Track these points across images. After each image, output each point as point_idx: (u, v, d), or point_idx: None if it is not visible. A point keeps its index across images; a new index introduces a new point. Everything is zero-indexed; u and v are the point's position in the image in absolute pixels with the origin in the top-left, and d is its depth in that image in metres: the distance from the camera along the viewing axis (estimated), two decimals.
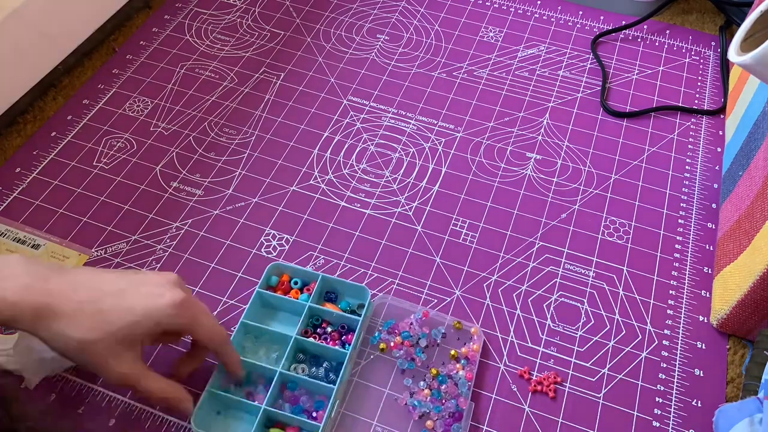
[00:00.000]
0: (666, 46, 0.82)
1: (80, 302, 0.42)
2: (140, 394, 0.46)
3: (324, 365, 0.53)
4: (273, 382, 0.51)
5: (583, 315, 0.59)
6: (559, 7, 0.86)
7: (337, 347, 0.53)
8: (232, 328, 0.56)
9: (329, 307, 0.56)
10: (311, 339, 0.54)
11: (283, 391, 0.53)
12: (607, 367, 0.55)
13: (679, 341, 0.57)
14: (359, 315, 0.55)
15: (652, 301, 0.59)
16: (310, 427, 0.50)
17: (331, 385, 0.51)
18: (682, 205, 0.66)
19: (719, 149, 0.71)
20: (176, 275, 0.47)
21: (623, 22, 0.84)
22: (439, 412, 0.51)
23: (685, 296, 0.60)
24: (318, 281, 0.56)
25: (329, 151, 0.71)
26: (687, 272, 0.61)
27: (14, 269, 0.42)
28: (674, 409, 0.53)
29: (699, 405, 0.53)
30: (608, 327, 0.58)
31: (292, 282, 0.58)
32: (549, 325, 0.58)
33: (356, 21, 0.85)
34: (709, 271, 0.61)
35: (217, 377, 0.51)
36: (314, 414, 0.51)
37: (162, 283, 0.45)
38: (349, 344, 0.54)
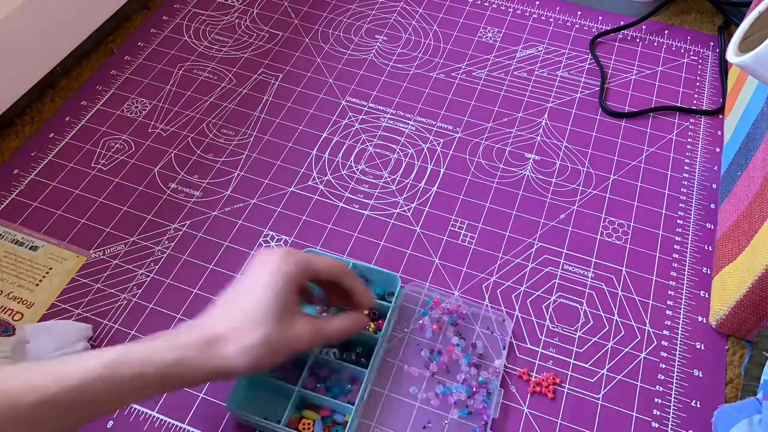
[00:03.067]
0: (664, 47, 0.82)
1: (229, 313, 0.44)
2: (326, 340, 0.50)
3: (357, 350, 0.55)
4: (306, 365, 0.52)
5: (582, 316, 0.58)
6: (558, 8, 0.86)
7: (368, 333, 0.55)
8: None
9: None
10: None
11: (315, 374, 0.54)
12: (606, 367, 0.55)
13: (678, 342, 0.57)
14: (390, 302, 0.57)
15: (651, 302, 0.59)
16: (343, 409, 0.51)
17: (363, 369, 0.52)
18: (680, 205, 0.66)
19: (718, 149, 0.71)
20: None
21: (622, 23, 0.84)
22: (469, 393, 0.53)
23: (684, 297, 0.60)
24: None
25: (328, 152, 0.71)
26: (686, 273, 0.61)
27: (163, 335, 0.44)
28: (673, 409, 0.53)
29: (698, 406, 0.53)
30: (607, 328, 0.58)
31: None
32: (548, 326, 0.58)
33: (354, 22, 0.85)
34: (708, 272, 0.61)
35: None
36: (345, 397, 0.53)
37: (261, 255, 0.47)
38: (380, 330, 0.55)
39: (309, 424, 0.50)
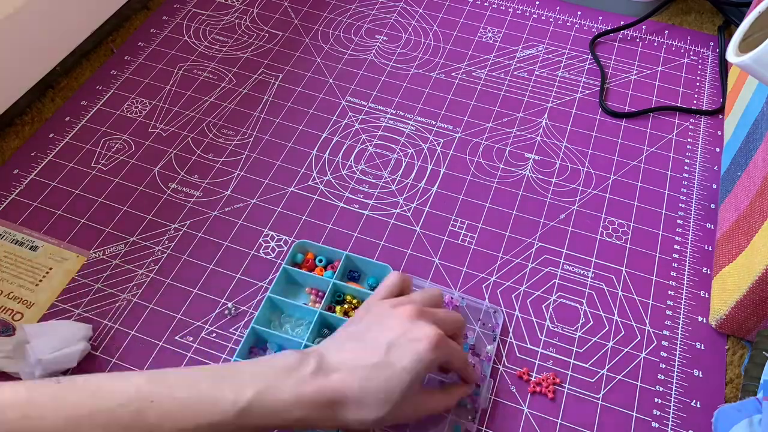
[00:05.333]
0: (664, 47, 0.82)
1: (361, 386, 0.43)
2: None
3: None
4: None
5: (582, 316, 0.58)
6: (558, 8, 0.86)
7: None
8: (250, 307, 0.56)
9: (352, 285, 0.58)
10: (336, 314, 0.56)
11: None
12: (606, 367, 0.55)
13: (678, 342, 0.57)
14: None
15: (650, 302, 0.59)
16: None
17: None
18: (680, 205, 0.66)
19: (718, 149, 0.71)
20: (412, 306, 0.47)
21: (622, 23, 0.84)
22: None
23: (684, 297, 0.60)
24: (342, 259, 0.58)
25: (327, 152, 0.71)
26: (686, 273, 0.61)
27: (294, 369, 0.44)
28: (673, 409, 0.53)
29: (698, 406, 0.53)
30: (607, 328, 0.58)
31: (317, 260, 0.60)
32: (548, 326, 0.58)
33: (354, 22, 0.85)
34: (708, 272, 0.61)
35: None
36: None
37: (411, 327, 0.45)
38: None
39: None
